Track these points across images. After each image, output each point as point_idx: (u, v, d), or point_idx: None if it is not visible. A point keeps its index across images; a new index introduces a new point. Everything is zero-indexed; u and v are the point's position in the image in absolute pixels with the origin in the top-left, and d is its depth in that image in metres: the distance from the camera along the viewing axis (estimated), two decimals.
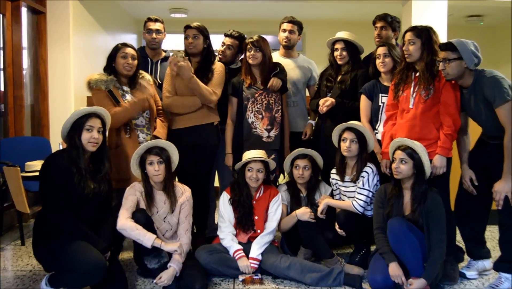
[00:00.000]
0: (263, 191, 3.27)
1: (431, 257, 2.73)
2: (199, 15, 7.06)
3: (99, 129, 2.74)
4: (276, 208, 3.24)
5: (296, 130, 3.78)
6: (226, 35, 3.79)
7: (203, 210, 3.60)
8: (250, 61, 3.44)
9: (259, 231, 3.18)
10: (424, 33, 2.97)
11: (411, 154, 2.82)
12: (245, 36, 3.78)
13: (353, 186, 3.23)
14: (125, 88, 3.29)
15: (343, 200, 3.31)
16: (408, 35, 3.01)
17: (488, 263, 3.16)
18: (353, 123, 3.22)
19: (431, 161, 2.91)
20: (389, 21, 3.78)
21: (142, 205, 2.95)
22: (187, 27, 3.50)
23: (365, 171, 3.17)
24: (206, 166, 3.56)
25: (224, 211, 3.23)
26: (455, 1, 5.23)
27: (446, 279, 2.99)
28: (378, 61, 3.34)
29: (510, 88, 2.71)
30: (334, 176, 3.37)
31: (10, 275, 3.17)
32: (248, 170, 3.21)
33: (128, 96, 3.25)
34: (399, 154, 2.84)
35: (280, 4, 6.23)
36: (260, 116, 3.44)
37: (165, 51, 3.99)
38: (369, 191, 3.13)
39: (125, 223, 2.75)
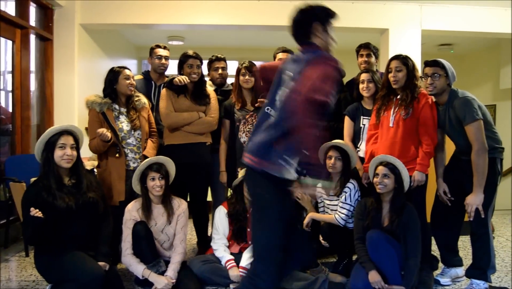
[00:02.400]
0: None
1: (407, 266, 2.74)
2: (194, 42, 7.12)
3: (72, 146, 2.69)
4: None
5: None
6: (216, 59, 3.86)
7: (203, 222, 3.62)
8: (244, 85, 3.47)
9: (250, 242, 3.16)
10: (409, 61, 3.06)
11: (393, 169, 2.86)
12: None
13: (336, 200, 3.24)
14: (122, 109, 3.29)
15: (326, 212, 3.32)
16: (395, 63, 3.07)
17: (460, 271, 3.18)
18: (337, 142, 3.25)
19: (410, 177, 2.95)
20: (372, 49, 3.84)
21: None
22: (191, 57, 3.49)
23: (348, 187, 3.18)
24: (203, 181, 3.57)
25: (220, 224, 3.21)
26: (428, 30, 5.33)
27: (422, 286, 2.99)
28: (361, 86, 3.37)
29: (479, 109, 2.78)
30: (319, 190, 3.38)
31: (15, 285, 3.13)
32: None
33: (122, 118, 3.26)
34: (382, 169, 2.87)
35: (268, 33, 6.31)
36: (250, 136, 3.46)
37: (167, 76, 4.01)
38: (350, 205, 3.15)
39: (129, 260, 2.84)
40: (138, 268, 2.83)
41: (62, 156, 2.64)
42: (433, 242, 3.23)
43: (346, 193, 3.17)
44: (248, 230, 3.18)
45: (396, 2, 5.24)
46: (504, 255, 3.82)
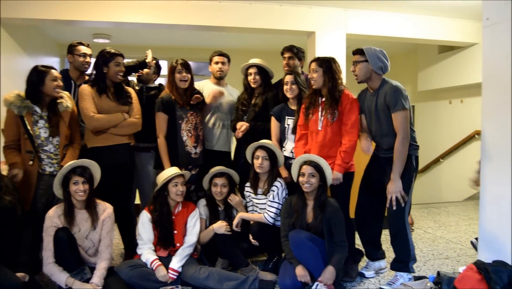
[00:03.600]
0: (181, 206, 3.22)
1: (336, 254, 2.84)
2: (121, 40, 6.90)
3: None
4: (194, 222, 3.20)
5: (224, 150, 3.81)
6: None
7: (129, 226, 3.50)
8: (181, 85, 3.40)
9: (178, 244, 3.12)
10: (325, 63, 3.14)
11: (317, 167, 2.93)
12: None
13: (264, 198, 3.29)
14: (43, 113, 3.11)
15: (255, 211, 3.36)
16: (312, 65, 3.18)
17: (383, 263, 3.35)
18: (264, 142, 3.29)
19: None
20: (295, 52, 3.91)
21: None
22: (118, 55, 3.32)
23: (275, 185, 3.24)
24: (128, 184, 3.46)
25: (143, 230, 3.11)
26: (352, 34, 5.55)
27: (346, 277, 3.14)
28: (285, 87, 3.44)
29: (408, 101, 2.92)
30: (248, 188, 3.41)
31: None
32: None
33: (41, 123, 3.08)
34: (308, 169, 2.94)
35: (198, 33, 6.26)
36: (190, 134, 3.44)
37: (88, 75, 3.84)
38: (278, 203, 3.20)
39: (50, 269, 2.70)
40: (61, 277, 2.69)
41: None
42: (357, 236, 3.36)
43: (273, 191, 3.22)
44: (175, 232, 3.13)
45: (322, 7, 5.40)
46: (422, 246, 4.08)
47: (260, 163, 3.24)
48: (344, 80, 4.71)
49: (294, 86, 3.41)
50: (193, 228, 3.18)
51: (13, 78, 5.03)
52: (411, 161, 3.00)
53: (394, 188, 2.92)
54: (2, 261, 2.48)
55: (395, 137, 2.94)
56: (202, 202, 3.41)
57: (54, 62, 7.11)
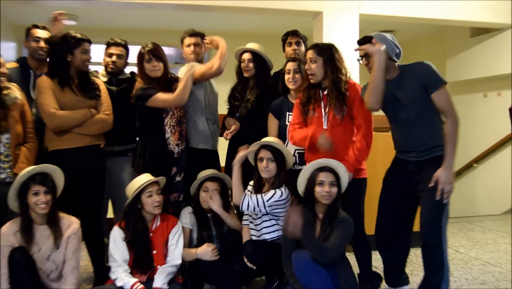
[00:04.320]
0: (159, 220, 3.21)
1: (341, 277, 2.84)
2: (90, 22, 6.91)
3: None
4: (177, 240, 3.19)
5: (211, 148, 3.79)
6: (111, 44, 3.77)
7: (98, 245, 3.49)
8: (152, 74, 3.37)
9: (159, 266, 3.10)
10: (326, 51, 3.13)
11: (338, 175, 2.94)
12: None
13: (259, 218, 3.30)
14: None
15: (254, 218, 3.34)
16: (309, 53, 3.16)
17: None
18: (268, 140, 3.27)
19: None
20: (302, 37, 3.92)
21: None
22: (85, 40, 3.32)
23: (276, 190, 3.18)
24: (98, 193, 3.45)
25: (116, 250, 3.08)
26: (367, 14, 5.55)
27: None
28: (287, 77, 3.44)
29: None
30: (250, 188, 3.38)
31: None
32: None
33: None
34: (328, 176, 2.92)
35: (177, 14, 6.25)
36: (173, 130, 3.44)
37: None
38: (265, 206, 3.15)
39: None
40: None
41: None
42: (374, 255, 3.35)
43: (272, 193, 3.17)
44: (155, 252, 3.12)
45: None
46: (454, 269, 4.04)
47: (265, 166, 3.21)
48: (357, 70, 4.75)
49: (297, 76, 3.41)
50: (176, 247, 3.17)
51: None
52: None
53: (446, 178, 2.87)
54: None
55: (434, 131, 2.96)
56: (188, 210, 3.43)
57: (9, 47, 7.13)
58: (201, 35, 3.82)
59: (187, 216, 3.38)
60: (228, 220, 3.36)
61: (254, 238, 3.32)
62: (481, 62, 6.85)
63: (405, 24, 6.18)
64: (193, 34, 3.79)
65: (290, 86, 3.44)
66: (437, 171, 2.90)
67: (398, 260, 3.28)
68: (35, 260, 2.81)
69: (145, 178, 3.15)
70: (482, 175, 7.26)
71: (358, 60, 3.08)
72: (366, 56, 2.99)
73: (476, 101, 7.43)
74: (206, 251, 3.17)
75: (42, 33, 3.62)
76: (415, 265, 4.00)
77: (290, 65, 3.45)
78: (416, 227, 3.06)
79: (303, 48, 3.92)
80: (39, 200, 2.80)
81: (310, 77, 3.15)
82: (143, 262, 3.08)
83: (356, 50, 3.02)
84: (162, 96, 3.32)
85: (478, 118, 7.33)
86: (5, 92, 3.13)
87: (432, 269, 3.02)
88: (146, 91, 3.32)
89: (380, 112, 3.15)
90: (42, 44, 3.61)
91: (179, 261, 3.15)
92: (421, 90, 2.93)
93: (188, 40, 3.79)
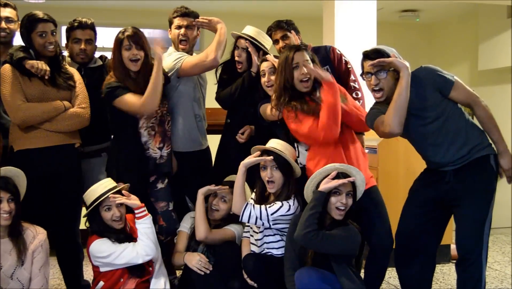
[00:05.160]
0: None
1: None
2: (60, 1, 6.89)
3: None
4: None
5: (200, 149, 3.80)
6: (76, 27, 3.65)
7: (72, 259, 3.49)
8: (132, 67, 3.31)
9: (151, 268, 3.16)
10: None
11: (354, 184, 2.95)
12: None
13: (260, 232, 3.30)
14: None
15: (255, 232, 3.34)
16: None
17: None
18: (271, 146, 3.22)
19: None
20: (285, 27, 3.77)
21: None
22: (41, 20, 3.29)
23: (285, 201, 3.16)
24: (72, 200, 3.44)
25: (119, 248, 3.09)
26: None
27: None
28: (263, 80, 3.42)
29: None
30: (252, 201, 3.36)
31: None
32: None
33: None
34: (347, 186, 2.92)
35: None
36: (153, 132, 3.41)
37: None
38: (269, 220, 3.13)
39: None
40: None
41: None
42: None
43: (277, 205, 3.15)
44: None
45: None
46: (487, 287, 3.99)
47: (269, 175, 3.17)
48: None
49: (273, 78, 3.33)
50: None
51: None
52: (489, 162, 3.01)
53: (508, 163, 3.02)
54: None
55: (467, 130, 3.00)
56: (191, 213, 3.52)
57: None
58: (195, 16, 3.73)
59: (188, 220, 3.47)
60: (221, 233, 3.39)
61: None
62: None
63: (430, 3, 6.14)
64: (185, 13, 3.69)
65: (270, 92, 3.37)
66: (500, 161, 3.03)
67: (419, 280, 3.24)
68: None
69: (99, 188, 3.12)
70: None
71: (363, 77, 3.06)
72: (378, 73, 2.96)
73: None
74: (193, 258, 3.21)
75: (3, 12, 3.57)
76: (441, 284, 3.99)
77: (264, 66, 3.41)
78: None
79: (293, 39, 3.73)
80: (2, 209, 2.79)
81: (304, 88, 3.19)
82: (134, 270, 3.10)
83: (376, 65, 2.96)
84: (129, 99, 3.26)
85: None
86: None
87: (465, 280, 3.01)
88: (115, 90, 3.27)
89: None
90: (3, 24, 3.57)
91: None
92: (436, 94, 2.99)
93: (178, 21, 3.70)
